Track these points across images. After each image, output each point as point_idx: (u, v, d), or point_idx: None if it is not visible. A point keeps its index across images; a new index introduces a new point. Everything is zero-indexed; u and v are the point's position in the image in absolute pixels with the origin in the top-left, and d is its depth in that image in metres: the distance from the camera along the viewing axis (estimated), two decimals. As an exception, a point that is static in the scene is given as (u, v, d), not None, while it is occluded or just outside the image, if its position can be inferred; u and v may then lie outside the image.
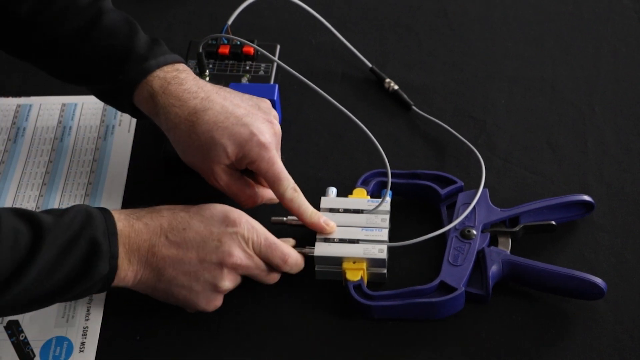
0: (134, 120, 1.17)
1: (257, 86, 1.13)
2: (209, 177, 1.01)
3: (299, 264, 0.98)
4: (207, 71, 1.14)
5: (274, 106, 1.11)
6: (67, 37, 1.03)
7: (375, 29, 1.28)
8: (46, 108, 1.19)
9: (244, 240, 0.93)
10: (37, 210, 0.89)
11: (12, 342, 0.97)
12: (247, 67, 1.16)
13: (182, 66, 1.03)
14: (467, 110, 1.17)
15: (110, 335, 0.97)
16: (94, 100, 1.19)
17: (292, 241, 0.99)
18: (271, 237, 0.95)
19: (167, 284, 0.93)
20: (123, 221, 0.92)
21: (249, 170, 1.01)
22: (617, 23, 1.27)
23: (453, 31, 1.28)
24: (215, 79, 1.15)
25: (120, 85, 1.02)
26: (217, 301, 0.95)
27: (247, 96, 1.03)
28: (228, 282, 0.94)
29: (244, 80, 1.15)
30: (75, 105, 1.20)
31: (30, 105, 1.20)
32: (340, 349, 0.95)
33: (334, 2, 1.30)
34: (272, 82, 1.15)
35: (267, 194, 1.03)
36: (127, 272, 0.92)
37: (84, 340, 0.97)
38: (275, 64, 1.16)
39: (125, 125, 1.17)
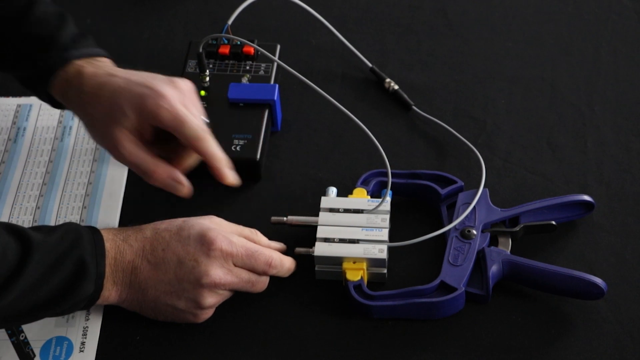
0: (134, 120, 1.17)
1: (257, 86, 1.13)
2: (114, 148, 0.98)
3: (286, 265, 0.98)
4: (207, 71, 1.14)
5: (274, 106, 1.11)
6: None
7: (375, 29, 1.28)
8: (46, 108, 1.19)
9: (223, 257, 0.93)
10: (28, 226, 0.90)
11: (12, 342, 0.97)
12: (248, 67, 1.16)
13: (104, 59, 1.04)
14: (467, 110, 1.17)
15: (110, 335, 0.97)
16: (94, 100, 1.20)
17: (280, 245, 1.00)
18: (251, 246, 0.95)
19: (153, 303, 0.94)
20: (110, 242, 0.92)
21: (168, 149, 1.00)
22: (617, 23, 1.27)
23: (453, 31, 1.28)
24: (215, 79, 1.15)
25: (38, 72, 1.02)
26: (205, 314, 0.95)
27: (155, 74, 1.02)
28: (210, 299, 0.94)
29: (244, 80, 1.15)
30: (75, 105, 1.20)
31: (31, 105, 1.20)
32: (340, 349, 0.95)
33: (334, 2, 1.30)
34: (272, 82, 1.15)
35: (177, 165, 1.01)
36: (111, 292, 0.93)
37: (84, 340, 0.97)
38: (275, 64, 1.16)
39: (125, 125, 1.17)
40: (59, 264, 0.88)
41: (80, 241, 0.90)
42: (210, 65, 1.17)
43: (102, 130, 0.98)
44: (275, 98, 1.11)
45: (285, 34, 1.27)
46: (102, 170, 1.12)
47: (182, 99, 0.99)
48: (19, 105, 1.20)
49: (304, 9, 1.20)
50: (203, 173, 1.01)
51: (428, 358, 0.94)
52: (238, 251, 0.94)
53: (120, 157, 0.98)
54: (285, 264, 0.98)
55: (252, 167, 1.08)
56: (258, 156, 1.07)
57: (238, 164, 1.04)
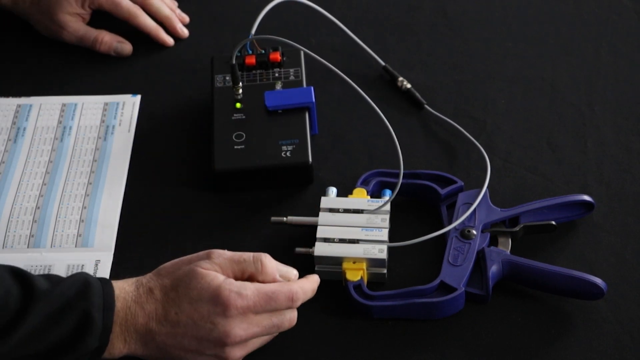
0: (134, 121, 1.17)
1: (292, 91, 1.12)
2: (60, 30, 1.26)
3: (309, 289, 0.94)
4: (240, 83, 1.13)
5: (312, 108, 1.11)
6: None
7: (375, 29, 1.28)
8: (46, 108, 1.19)
9: (241, 314, 0.89)
10: (38, 274, 0.88)
11: (12, 342, 0.96)
12: (277, 74, 1.15)
13: None
14: (467, 110, 1.17)
15: (110, 335, 0.97)
16: (94, 100, 1.20)
17: (294, 272, 0.96)
18: (267, 289, 0.90)
19: (173, 359, 0.91)
20: (121, 301, 0.88)
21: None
22: (617, 23, 1.27)
23: (453, 31, 1.28)
24: (247, 90, 1.13)
25: None
26: None
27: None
28: (237, 351, 0.90)
29: (278, 87, 1.14)
30: (75, 105, 1.20)
31: (30, 105, 1.20)
32: (340, 349, 0.95)
33: (333, 2, 1.30)
34: (304, 85, 1.14)
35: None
36: (122, 349, 0.89)
37: (84, 340, 0.96)
38: (303, 68, 1.15)
39: (125, 125, 1.17)
40: (62, 315, 0.85)
41: (88, 292, 0.87)
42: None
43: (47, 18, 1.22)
44: (313, 100, 1.11)
45: (285, 33, 1.26)
46: (102, 170, 1.12)
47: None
48: (19, 106, 1.20)
49: (303, 9, 1.20)
50: (200, 181, 1.01)
51: (428, 358, 0.94)
52: (255, 302, 0.89)
53: (68, 36, 1.24)
54: (308, 289, 0.94)
55: (304, 171, 1.08)
56: (310, 159, 1.07)
57: (290, 170, 1.06)
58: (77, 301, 0.86)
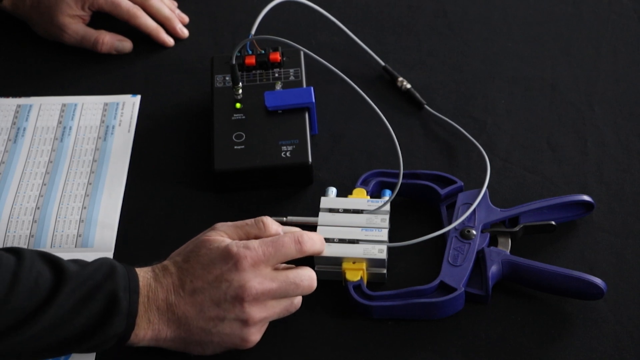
0: (134, 121, 1.17)
1: (292, 91, 1.12)
2: (60, 32, 1.25)
3: (316, 237, 0.95)
4: (240, 83, 1.13)
5: (312, 109, 1.11)
6: None
7: (375, 29, 1.28)
8: (46, 108, 1.19)
9: (252, 265, 0.90)
10: (64, 258, 0.89)
11: (12, 342, 0.96)
12: (277, 75, 1.15)
13: None
14: (467, 110, 1.17)
15: (110, 336, 0.97)
16: (94, 101, 1.20)
17: (296, 229, 0.98)
18: (269, 239, 0.92)
19: (198, 336, 0.91)
20: (142, 279, 0.90)
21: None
22: (617, 23, 1.27)
23: (453, 31, 1.28)
24: (247, 90, 1.13)
25: None
26: (254, 335, 0.92)
27: None
28: (256, 310, 0.91)
29: (278, 87, 1.14)
30: (75, 105, 1.20)
31: (30, 105, 1.20)
32: (340, 349, 0.95)
33: (333, 2, 1.30)
34: (304, 85, 1.14)
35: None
36: (147, 331, 0.90)
37: (84, 340, 0.96)
38: (303, 69, 1.15)
39: (125, 125, 1.17)
40: (91, 297, 0.86)
41: (114, 275, 0.88)
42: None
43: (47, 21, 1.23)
44: (313, 100, 1.11)
45: (285, 33, 1.26)
46: (102, 170, 1.12)
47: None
48: (18, 106, 1.20)
49: (303, 9, 1.20)
50: (200, 181, 1.01)
51: (428, 358, 0.94)
52: (263, 250, 0.91)
53: (68, 38, 1.25)
54: (316, 238, 0.95)
55: (304, 171, 1.08)
56: (310, 160, 1.07)
57: (290, 170, 1.06)
58: (104, 282, 0.88)
